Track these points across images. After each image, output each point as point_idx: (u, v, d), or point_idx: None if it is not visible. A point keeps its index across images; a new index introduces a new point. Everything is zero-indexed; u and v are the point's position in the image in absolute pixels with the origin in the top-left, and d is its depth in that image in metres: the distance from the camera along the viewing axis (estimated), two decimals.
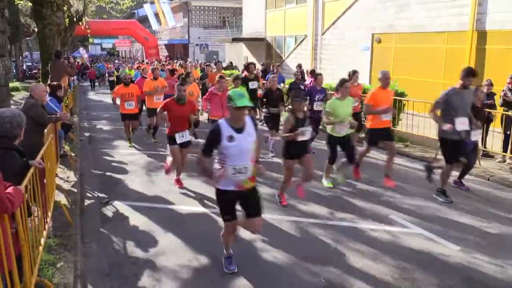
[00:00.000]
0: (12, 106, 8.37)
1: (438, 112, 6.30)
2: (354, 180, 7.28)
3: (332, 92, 8.66)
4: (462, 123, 6.01)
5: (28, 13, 21.75)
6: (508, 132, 8.33)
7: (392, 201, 6.42)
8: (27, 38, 32.37)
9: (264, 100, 8.75)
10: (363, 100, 8.79)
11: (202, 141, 7.84)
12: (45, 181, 4.65)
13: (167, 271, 4.39)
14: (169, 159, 7.08)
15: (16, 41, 27.79)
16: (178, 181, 7.08)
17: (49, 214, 4.85)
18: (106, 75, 23.19)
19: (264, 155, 8.51)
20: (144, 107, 11.09)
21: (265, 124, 9.23)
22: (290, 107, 6.00)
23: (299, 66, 14.84)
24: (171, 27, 41.07)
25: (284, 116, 6.83)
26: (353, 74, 9.26)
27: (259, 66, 17.25)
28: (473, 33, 12.33)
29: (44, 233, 4.33)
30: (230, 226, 4.18)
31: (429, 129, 9.09)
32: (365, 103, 7.04)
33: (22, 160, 3.74)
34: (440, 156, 6.64)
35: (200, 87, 12.31)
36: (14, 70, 28.87)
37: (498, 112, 8.69)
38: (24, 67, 32.79)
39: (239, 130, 3.86)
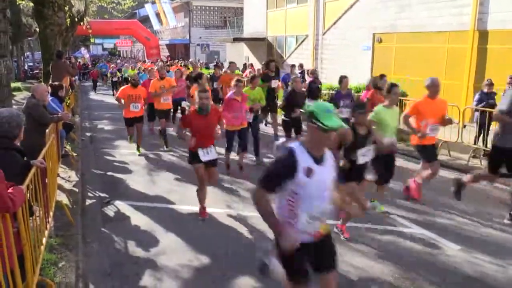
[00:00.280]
0: (13, 106, 8.40)
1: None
2: None
3: (333, 92, 8.54)
4: None
5: (30, 13, 21.81)
6: None
7: (393, 201, 6.41)
8: (29, 38, 32.40)
9: (285, 103, 7.94)
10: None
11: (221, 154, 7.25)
12: (46, 181, 4.66)
13: (168, 270, 4.40)
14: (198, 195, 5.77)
15: (18, 41, 27.86)
16: (204, 212, 5.76)
17: (51, 213, 4.86)
18: (109, 75, 23.03)
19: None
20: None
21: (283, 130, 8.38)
22: (352, 119, 4.76)
23: (301, 65, 14.76)
24: (172, 27, 41.07)
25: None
26: (381, 78, 8.11)
27: (259, 67, 17.24)
28: (474, 33, 12.31)
29: (46, 232, 4.34)
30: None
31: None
32: (404, 114, 6.09)
33: (23, 159, 3.76)
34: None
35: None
36: (16, 70, 28.91)
37: None
38: (26, 67, 32.87)
39: (319, 159, 2.78)
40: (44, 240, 4.17)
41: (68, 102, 10.67)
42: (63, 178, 7.15)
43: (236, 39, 27.30)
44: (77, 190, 6.69)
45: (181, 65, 17.87)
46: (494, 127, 8.82)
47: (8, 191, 2.91)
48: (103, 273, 4.35)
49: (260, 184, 2.76)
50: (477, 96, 8.98)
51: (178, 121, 7.79)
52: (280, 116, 8.71)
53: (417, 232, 5.31)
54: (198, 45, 36.18)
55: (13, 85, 16.04)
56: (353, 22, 17.38)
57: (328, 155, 2.87)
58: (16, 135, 3.68)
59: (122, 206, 6.22)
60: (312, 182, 2.69)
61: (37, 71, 27.66)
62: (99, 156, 9.22)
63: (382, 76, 8.33)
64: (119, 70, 21.99)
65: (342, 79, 8.10)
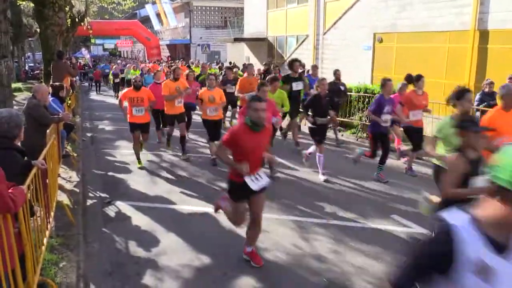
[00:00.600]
0: (14, 107, 8.41)
1: None
2: (354, 179, 7.29)
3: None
4: None
5: (31, 14, 21.88)
6: None
7: (394, 200, 6.42)
8: (30, 39, 32.46)
9: (310, 108, 7.33)
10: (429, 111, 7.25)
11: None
12: (47, 181, 4.67)
13: (169, 270, 4.41)
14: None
15: (19, 42, 27.91)
16: (256, 255, 4.47)
17: (52, 214, 4.87)
18: (111, 76, 22.41)
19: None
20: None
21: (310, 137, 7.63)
22: (462, 142, 3.52)
23: (303, 65, 14.59)
24: (172, 27, 41.10)
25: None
26: (418, 80, 7.22)
27: (260, 67, 17.22)
28: (475, 33, 12.30)
29: (47, 232, 4.35)
30: None
31: (430, 128, 9.07)
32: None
33: (23, 159, 3.76)
34: None
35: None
36: (17, 71, 28.94)
37: None
38: (27, 68, 32.87)
39: (503, 248, 1.53)
40: (45, 240, 4.18)
41: (69, 102, 10.68)
42: (64, 179, 7.16)
43: (236, 39, 27.30)
44: (78, 190, 6.70)
45: (184, 65, 17.64)
46: None
47: (9, 191, 2.92)
48: (104, 273, 4.35)
49: (393, 284, 1.64)
50: (478, 96, 8.96)
51: (218, 141, 6.75)
52: (303, 124, 7.86)
53: (419, 232, 5.31)
54: (198, 45, 36.19)
55: (14, 85, 16.08)
56: (353, 22, 17.37)
57: None
58: (15, 135, 3.69)
59: (123, 206, 6.23)
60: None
61: (37, 71, 27.69)
62: (100, 157, 9.23)
63: (419, 77, 7.21)
64: (122, 71, 21.04)
65: (386, 82, 6.86)
